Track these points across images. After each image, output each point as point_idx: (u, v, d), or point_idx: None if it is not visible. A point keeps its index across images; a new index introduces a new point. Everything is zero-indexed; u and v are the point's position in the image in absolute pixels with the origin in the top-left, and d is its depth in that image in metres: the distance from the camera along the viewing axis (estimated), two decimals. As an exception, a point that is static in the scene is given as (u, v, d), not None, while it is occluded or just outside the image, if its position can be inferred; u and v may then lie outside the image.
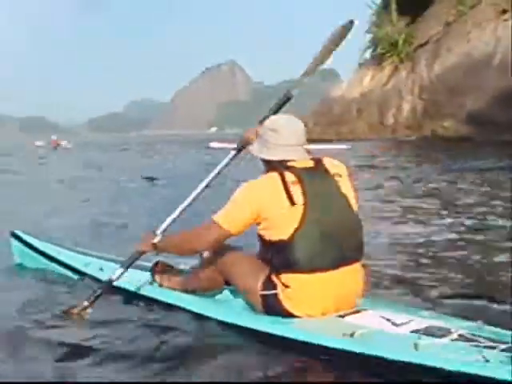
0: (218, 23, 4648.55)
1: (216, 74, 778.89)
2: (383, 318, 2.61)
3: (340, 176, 2.86)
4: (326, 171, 2.85)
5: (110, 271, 3.30)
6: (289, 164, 2.80)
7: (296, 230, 2.71)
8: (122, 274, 3.18)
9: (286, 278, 2.76)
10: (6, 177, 15.13)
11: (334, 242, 2.77)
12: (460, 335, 2.35)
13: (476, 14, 25.56)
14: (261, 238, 2.84)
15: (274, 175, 2.77)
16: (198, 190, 3.29)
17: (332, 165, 2.89)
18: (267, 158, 2.89)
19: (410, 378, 2.21)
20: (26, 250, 4.33)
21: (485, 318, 2.59)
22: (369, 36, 32.79)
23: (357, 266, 2.86)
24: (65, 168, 18.26)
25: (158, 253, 3.15)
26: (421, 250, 4.88)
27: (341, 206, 2.83)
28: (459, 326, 2.44)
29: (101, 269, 3.65)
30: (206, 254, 3.10)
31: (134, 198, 9.74)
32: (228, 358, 2.60)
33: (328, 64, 3.57)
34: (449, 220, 6.34)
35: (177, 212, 3.30)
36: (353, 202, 2.87)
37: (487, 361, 2.11)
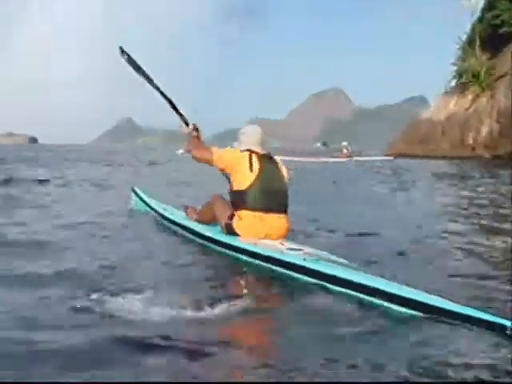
0: (324, 51, 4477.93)
1: (322, 98, 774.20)
2: (281, 243, 3.71)
3: (279, 163, 4.15)
4: (273, 159, 4.14)
5: (177, 215, 4.86)
6: (254, 151, 4.07)
7: (250, 185, 3.92)
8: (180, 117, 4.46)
9: (241, 213, 3.95)
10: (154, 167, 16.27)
11: (270, 196, 3.95)
12: (306, 252, 3.43)
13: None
14: (231, 187, 4.08)
15: (246, 153, 4.04)
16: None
17: (277, 158, 4.20)
18: (241, 148, 4.12)
19: (275, 267, 3.34)
20: (137, 199, 5.95)
21: (333, 250, 3.59)
22: (454, 68, 32.14)
23: (282, 215, 4.00)
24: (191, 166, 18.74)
25: (189, 142, 4.40)
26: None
27: (278, 178, 4.07)
28: (311, 249, 3.54)
29: (172, 213, 4.98)
30: (206, 203, 4.35)
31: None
32: (202, 252, 4.00)
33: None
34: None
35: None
36: (285, 177, 4.11)
37: (304, 259, 3.24)
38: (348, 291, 2.86)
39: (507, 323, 2.27)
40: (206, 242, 4.13)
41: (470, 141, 28.38)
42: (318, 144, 48.41)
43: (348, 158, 26.02)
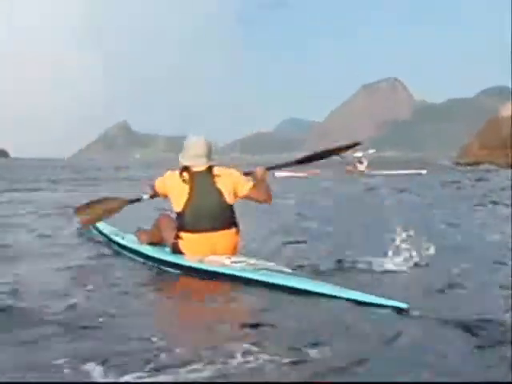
0: (375, 39, 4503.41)
1: (374, 91, 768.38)
2: (228, 258, 4.69)
3: (219, 176, 4.97)
4: (210, 174, 4.97)
5: (127, 239, 5.83)
6: (190, 168, 4.97)
7: (183, 208, 4.88)
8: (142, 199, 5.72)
9: (180, 234, 4.94)
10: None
11: (207, 215, 4.86)
12: (248, 264, 4.49)
13: None
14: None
15: (176, 173, 5.03)
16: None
17: (218, 169, 5.03)
18: (183, 162, 5.04)
19: (221, 280, 4.38)
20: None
21: (280, 261, 4.82)
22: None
23: (225, 231, 4.92)
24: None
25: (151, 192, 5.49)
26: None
27: (213, 195, 4.91)
28: (257, 261, 4.61)
29: (123, 238, 5.98)
30: (153, 224, 5.41)
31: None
32: (150, 271, 5.05)
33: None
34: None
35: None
36: (225, 193, 4.92)
37: (244, 269, 4.35)
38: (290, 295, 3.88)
39: (404, 305, 3.44)
40: (153, 263, 5.14)
41: None
42: (370, 151, 47.87)
43: (360, 172, 27.41)
